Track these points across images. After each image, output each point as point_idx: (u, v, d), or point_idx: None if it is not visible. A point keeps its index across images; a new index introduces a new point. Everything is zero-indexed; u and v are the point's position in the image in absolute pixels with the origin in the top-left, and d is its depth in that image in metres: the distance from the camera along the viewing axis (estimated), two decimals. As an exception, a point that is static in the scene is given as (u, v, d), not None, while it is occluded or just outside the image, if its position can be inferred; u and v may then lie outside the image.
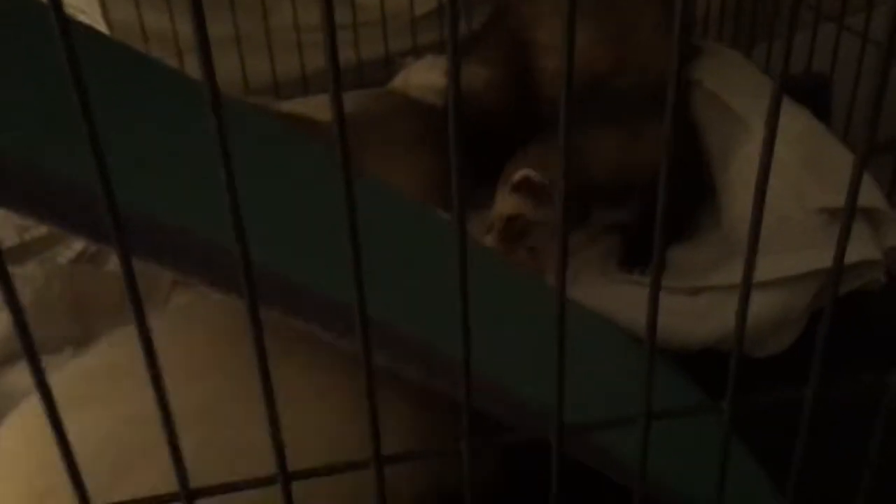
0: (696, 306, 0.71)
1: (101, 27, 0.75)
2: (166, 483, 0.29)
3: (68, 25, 0.23)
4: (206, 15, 0.88)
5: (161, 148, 0.37)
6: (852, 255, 0.69)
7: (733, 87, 0.85)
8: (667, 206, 0.86)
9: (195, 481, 0.30)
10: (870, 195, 0.73)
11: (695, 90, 0.89)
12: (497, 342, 0.42)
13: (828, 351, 0.71)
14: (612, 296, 0.73)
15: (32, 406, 0.39)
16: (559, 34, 1.00)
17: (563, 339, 0.32)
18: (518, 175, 0.76)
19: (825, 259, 0.71)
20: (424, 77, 1.15)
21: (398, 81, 1.20)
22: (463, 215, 0.29)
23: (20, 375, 0.67)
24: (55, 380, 0.27)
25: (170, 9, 1.12)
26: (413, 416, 0.47)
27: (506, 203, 0.80)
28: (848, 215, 0.34)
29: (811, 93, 0.90)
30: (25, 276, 0.74)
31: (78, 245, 0.83)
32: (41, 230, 0.82)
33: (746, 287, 0.35)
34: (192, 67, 1.17)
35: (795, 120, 0.80)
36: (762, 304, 0.69)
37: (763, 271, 0.70)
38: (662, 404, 0.38)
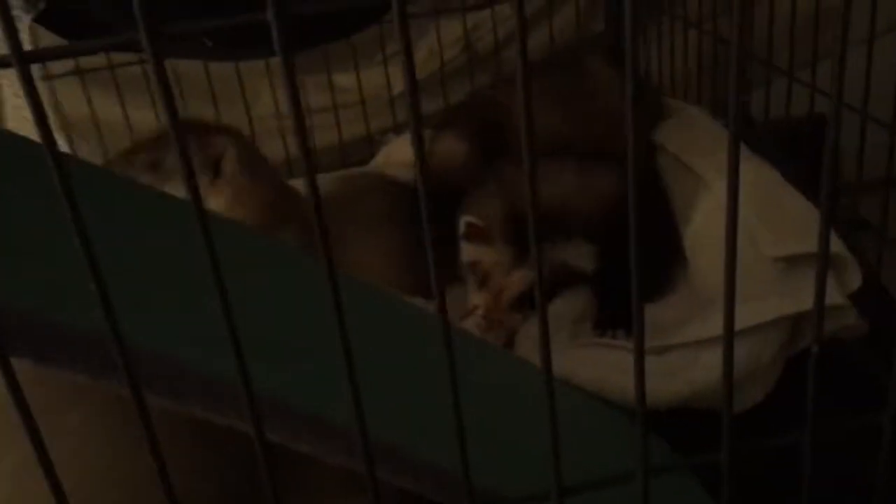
0: (663, 365, 0.71)
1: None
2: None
3: None
4: (191, 108, 0.92)
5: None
6: (808, 301, 0.69)
7: (692, 147, 0.87)
8: (637, 266, 0.87)
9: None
10: (830, 241, 0.73)
11: (660, 154, 0.91)
12: (426, 415, 0.43)
13: (803, 400, 0.71)
14: (582, 359, 0.74)
15: None
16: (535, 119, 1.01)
17: (458, 403, 0.33)
18: (462, 224, 0.79)
19: (785, 307, 0.72)
20: (404, 153, 1.18)
21: (380, 158, 1.23)
22: (335, 282, 0.30)
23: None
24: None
25: (121, 100, 1.16)
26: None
27: (463, 252, 0.84)
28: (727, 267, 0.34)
29: (814, 133, 0.91)
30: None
31: None
32: None
33: (639, 351, 0.36)
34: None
35: (748, 170, 0.81)
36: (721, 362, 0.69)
37: (720, 325, 0.70)
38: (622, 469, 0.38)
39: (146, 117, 1.17)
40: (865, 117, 0.79)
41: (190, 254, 0.29)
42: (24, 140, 0.44)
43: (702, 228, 0.82)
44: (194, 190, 0.27)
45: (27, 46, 0.75)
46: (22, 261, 0.34)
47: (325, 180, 1.16)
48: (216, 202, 0.86)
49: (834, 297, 0.70)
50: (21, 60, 0.25)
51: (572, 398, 0.66)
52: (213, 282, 0.28)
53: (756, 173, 0.80)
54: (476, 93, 1.12)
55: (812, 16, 0.86)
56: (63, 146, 1.13)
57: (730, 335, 0.36)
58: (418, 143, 0.28)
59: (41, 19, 0.69)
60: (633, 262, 0.33)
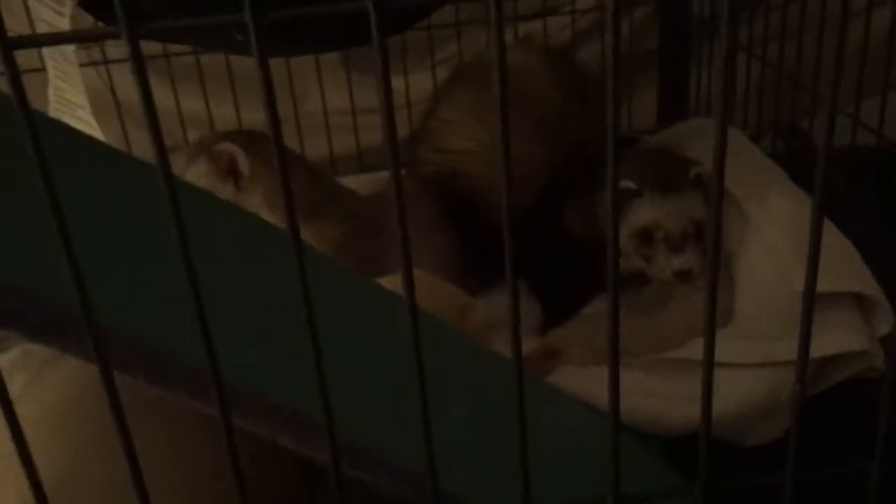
0: (675, 389, 0.70)
1: (96, 130, 0.81)
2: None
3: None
4: (241, 103, 0.94)
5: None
6: (831, 346, 0.67)
7: (729, 170, 0.85)
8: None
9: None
10: (861, 280, 0.71)
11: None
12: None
13: (826, 439, 0.69)
14: (596, 378, 0.72)
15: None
16: (473, 138, 0.98)
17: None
18: (696, 170, 0.78)
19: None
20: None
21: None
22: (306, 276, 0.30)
23: None
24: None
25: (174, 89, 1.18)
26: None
27: (691, 205, 0.81)
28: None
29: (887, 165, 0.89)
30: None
31: None
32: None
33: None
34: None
35: (788, 201, 0.79)
36: (746, 390, 0.68)
37: (746, 355, 0.69)
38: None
39: (197, 107, 1.20)
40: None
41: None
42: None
43: (738, 260, 0.80)
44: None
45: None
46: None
47: (370, 180, 1.17)
48: (251, 203, 0.88)
49: (859, 341, 0.67)
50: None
51: (576, 415, 0.66)
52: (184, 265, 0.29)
53: (795, 206, 0.79)
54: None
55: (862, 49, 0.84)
56: (117, 130, 1.16)
57: (710, 365, 0.35)
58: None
59: (84, 4, 0.72)
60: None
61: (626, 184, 0.80)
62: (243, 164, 0.89)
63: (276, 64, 1.23)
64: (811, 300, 0.32)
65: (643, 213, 0.81)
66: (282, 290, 0.46)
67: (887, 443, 0.41)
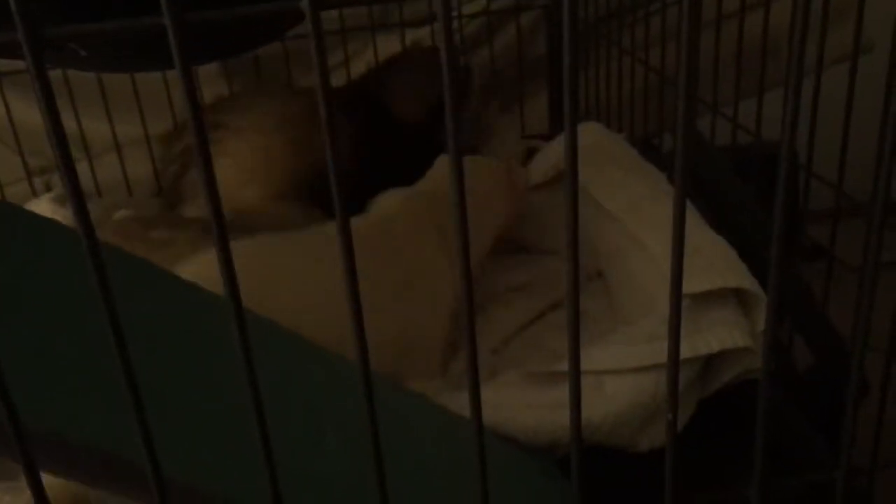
0: (558, 396, 0.67)
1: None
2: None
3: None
4: (114, 117, 0.87)
5: None
6: (715, 343, 0.66)
7: (598, 180, 0.86)
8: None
9: None
10: (740, 276, 0.70)
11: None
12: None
13: (716, 446, 0.68)
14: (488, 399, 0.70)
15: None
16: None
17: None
18: None
19: (686, 350, 0.68)
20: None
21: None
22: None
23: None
24: None
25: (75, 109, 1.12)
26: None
27: None
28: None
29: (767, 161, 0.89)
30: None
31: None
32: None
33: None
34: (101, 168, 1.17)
35: (665, 205, 0.79)
36: (632, 392, 0.66)
37: (630, 359, 0.67)
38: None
39: (68, 125, 1.13)
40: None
41: None
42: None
43: (610, 263, 0.80)
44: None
45: None
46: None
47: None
48: None
49: (742, 338, 0.67)
50: None
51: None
52: None
53: (670, 208, 0.78)
54: None
55: (736, 52, 0.84)
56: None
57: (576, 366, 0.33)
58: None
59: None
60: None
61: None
62: None
63: (156, 76, 1.17)
64: (678, 319, 0.30)
65: None
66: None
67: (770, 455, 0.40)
